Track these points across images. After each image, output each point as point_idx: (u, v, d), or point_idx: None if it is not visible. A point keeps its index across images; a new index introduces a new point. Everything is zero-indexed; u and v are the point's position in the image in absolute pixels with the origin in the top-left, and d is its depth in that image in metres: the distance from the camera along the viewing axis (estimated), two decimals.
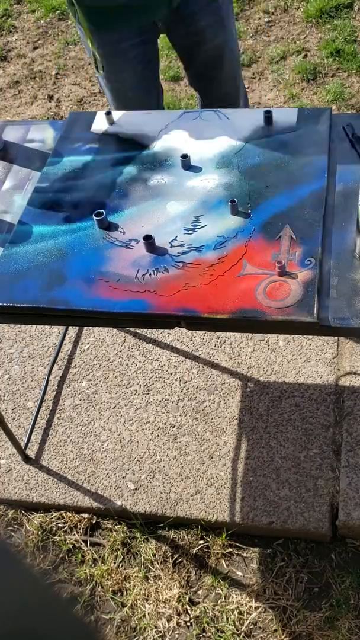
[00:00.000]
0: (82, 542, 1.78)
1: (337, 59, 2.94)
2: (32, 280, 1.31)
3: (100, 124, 1.62)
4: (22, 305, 1.29)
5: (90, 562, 1.74)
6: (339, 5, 3.14)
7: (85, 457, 1.88)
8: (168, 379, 1.99)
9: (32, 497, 1.84)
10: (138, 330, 2.11)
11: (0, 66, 3.36)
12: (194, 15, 1.72)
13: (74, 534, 1.79)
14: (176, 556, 1.72)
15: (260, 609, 1.61)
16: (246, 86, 2.86)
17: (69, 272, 1.31)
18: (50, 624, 0.42)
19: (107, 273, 1.30)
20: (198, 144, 1.51)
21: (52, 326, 2.17)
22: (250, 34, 3.13)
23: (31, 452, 1.92)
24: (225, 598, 1.64)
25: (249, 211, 1.34)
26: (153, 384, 1.99)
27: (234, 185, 1.40)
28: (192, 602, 1.65)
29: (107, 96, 1.88)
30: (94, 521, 1.81)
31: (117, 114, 1.62)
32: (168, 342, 2.07)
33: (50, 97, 3.13)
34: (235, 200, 1.34)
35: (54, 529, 1.81)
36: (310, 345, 1.98)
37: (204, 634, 1.60)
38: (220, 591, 1.65)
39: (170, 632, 1.61)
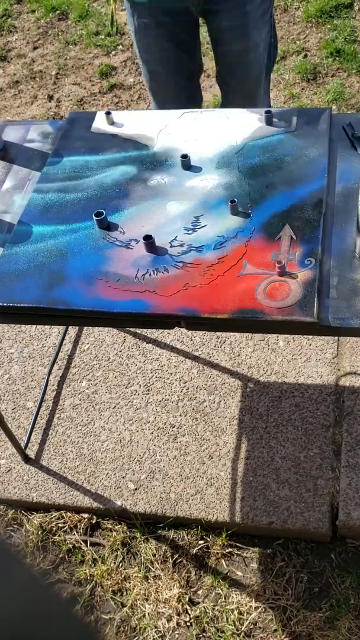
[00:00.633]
0: (82, 542, 1.78)
1: (337, 59, 2.94)
2: (32, 280, 1.31)
3: (100, 124, 1.62)
4: (22, 305, 1.29)
5: (90, 562, 1.74)
6: (339, 5, 3.14)
7: (85, 457, 1.88)
8: (168, 379, 1.99)
9: (32, 497, 1.84)
10: (138, 330, 2.11)
11: (0, 66, 3.36)
12: (217, 12, 1.73)
13: (74, 534, 1.79)
14: (176, 556, 1.72)
15: (260, 609, 1.61)
16: None
17: (69, 272, 1.31)
18: (50, 624, 0.42)
19: (107, 273, 1.30)
20: (198, 144, 1.51)
21: (52, 326, 2.17)
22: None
23: (31, 452, 1.92)
24: (225, 598, 1.64)
25: (249, 211, 1.34)
26: (153, 384, 1.99)
27: (234, 185, 1.40)
28: (192, 602, 1.65)
29: (140, 64, 1.92)
30: (94, 521, 1.81)
31: (117, 114, 1.62)
32: (168, 342, 2.07)
33: (50, 97, 3.13)
34: (235, 200, 1.34)
35: (54, 529, 1.81)
36: (310, 345, 1.98)
37: (204, 634, 1.60)
38: (220, 591, 1.65)
39: (170, 632, 1.61)
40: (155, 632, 1.61)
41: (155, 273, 1.28)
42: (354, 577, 1.62)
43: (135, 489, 1.80)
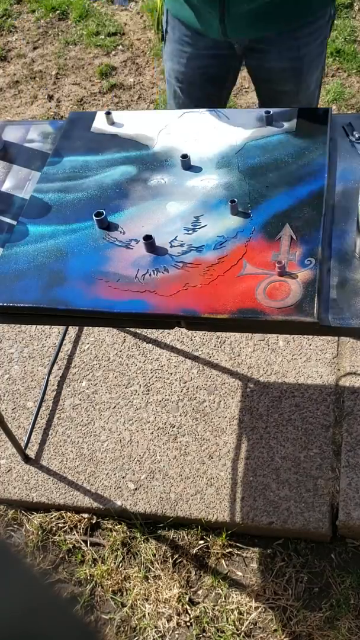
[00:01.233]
0: (82, 542, 1.78)
1: (337, 59, 2.94)
2: (32, 280, 1.31)
3: (100, 124, 1.62)
4: (22, 305, 1.29)
5: (90, 562, 1.74)
6: (339, 5, 3.14)
7: (85, 457, 1.88)
8: (168, 379, 1.99)
9: (32, 497, 1.84)
10: (138, 330, 2.11)
11: (0, 66, 3.36)
12: (266, 54, 1.61)
13: (74, 534, 1.79)
14: (176, 556, 1.72)
15: (260, 609, 1.61)
16: (246, 86, 2.86)
17: (69, 272, 1.31)
18: (50, 624, 0.42)
19: (107, 273, 1.30)
20: (198, 144, 1.51)
21: (52, 326, 2.17)
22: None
23: (31, 452, 1.92)
24: (225, 598, 1.64)
25: (249, 211, 1.34)
26: (153, 384, 1.99)
27: (234, 185, 1.40)
28: (192, 602, 1.65)
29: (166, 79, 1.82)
30: (94, 521, 1.81)
31: (117, 114, 1.62)
32: (168, 342, 2.07)
33: (50, 97, 3.13)
34: (235, 200, 1.34)
35: (54, 529, 1.81)
36: (310, 345, 1.98)
37: (204, 634, 1.60)
38: (220, 591, 1.65)
39: (170, 632, 1.61)
40: (155, 632, 1.61)
41: (155, 273, 1.28)
42: (354, 577, 1.62)
43: (135, 489, 1.80)
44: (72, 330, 2.16)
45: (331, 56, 2.95)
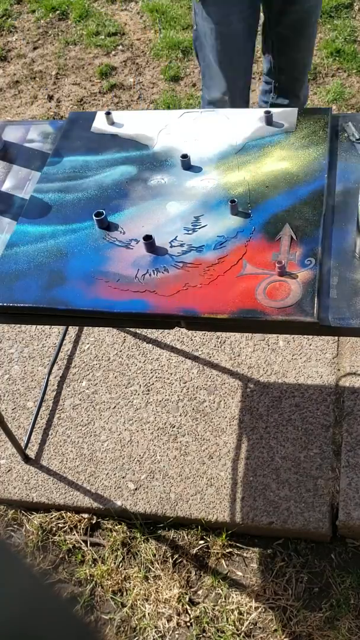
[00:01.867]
0: (82, 542, 1.78)
1: (337, 59, 2.94)
2: (32, 280, 1.31)
3: (100, 124, 1.62)
4: (22, 305, 1.29)
5: (90, 562, 1.74)
6: (339, 5, 3.14)
7: (85, 457, 1.88)
8: (168, 379, 1.99)
9: (32, 497, 1.84)
10: (138, 330, 2.11)
11: (0, 66, 3.36)
12: None
13: (74, 534, 1.79)
14: (176, 556, 1.72)
15: (260, 609, 1.61)
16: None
17: (69, 272, 1.31)
18: (50, 624, 0.42)
19: (107, 273, 1.30)
20: (198, 144, 1.51)
21: (52, 326, 2.17)
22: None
23: (31, 452, 1.92)
24: (225, 598, 1.64)
25: (249, 211, 1.34)
26: (153, 384, 1.99)
27: (234, 185, 1.40)
28: (192, 602, 1.65)
29: (206, 45, 1.94)
30: (94, 521, 1.81)
31: (117, 114, 1.62)
32: (168, 342, 2.07)
33: (50, 97, 3.13)
34: (235, 200, 1.34)
35: (54, 529, 1.81)
36: (310, 345, 1.98)
37: (204, 634, 1.60)
38: (220, 591, 1.65)
39: (170, 632, 1.61)
40: (155, 632, 1.61)
41: (155, 273, 1.28)
42: (354, 577, 1.62)
43: (135, 489, 1.80)
44: (72, 330, 2.16)
45: (331, 56, 2.95)
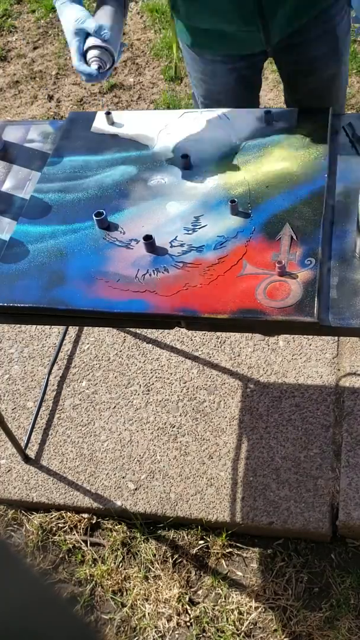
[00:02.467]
0: (82, 542, 1.78)
1: None
2: (32, 280, 1.31)
3: (100, 124, 1.62)
4: (22, 305, 1.29)
5: (90, 562, 1.74)
6: None
7: (85, 457, 1.88)
8: (168, 379, 1.99)
9: (32, 497, 1.84)
10: (138, 330, 2.11)
11: (0, 66, 3.36)
12: (307, 44, 1.55)
13: (74, 534, 1.79)
14: (176, 556, 1.72)
15: (260, 609, 1.61)
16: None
17: (69, 272, 1.31)
18: (50, 624, 0.42)
19: (107, 273, 1.30)
20: (198, 144, 1.51)
21: (52, 326, 2.17)
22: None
23: (31, 452, 1.92)
24: (225, 598, 1.64)
25: (249, 211, 1.34)
26: (153, 384, 1.99)
27: (234, 185, 1.40)
28: (192, 602, 1.65)
29: (195, 93, 1.75)
30: (94, 521, 1.81)
31: (117, 114, 1.62)
32: (168, 342, 2.07)
33: (50, 97, 3.13)
34: (235, 200, 1.34)
35: (54, 529, 1.81)
36: (310, 345, 1.98)
37: (204, 634, 1.60)
38: (220, 591, 1.65)
39: (170, 632, 1.61)
40: (155, 632, 1.61)
41: (155, 273, 1.28)
42: (354, 577, 1.62)
43: (135, 489, 1.80)
44: (72, 330, 2.16)
45: None
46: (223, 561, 1.70)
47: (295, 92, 1.72)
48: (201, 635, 1.60)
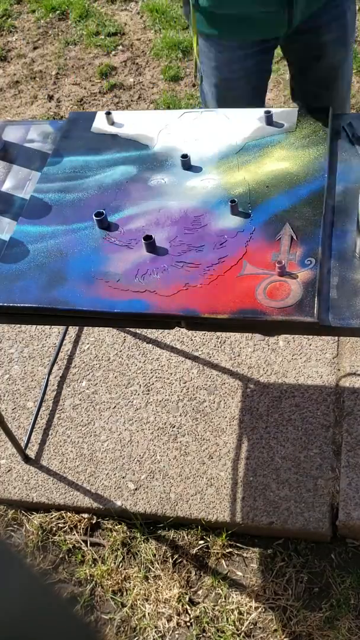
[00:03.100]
0: (82, 542, 1.78)
1: None
2: (32, 280, 1.31)
3: (100, 124, 1.62)
4: (22, 305, 1.29)
5: (90, 562, 1.74)
6: None
7: (85, 457, 1.88)
8: (168, 379, 1.99)
9: (32, 497, 1.84)
10: (138, 330, 2.11)
11: (0, 66, 3.36)
12: (318, 29, 1.61)
13: (74, 534, 1.79)
14: (176, 556, 1.72)
15: (260, 609, 1.61)
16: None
17: (69, 272, 1.31)
18: (50, 624, 0.42)
19: (107, 273, 1.30)
20: (198, 144, 1.51)
21: (52, 326, 2.17)
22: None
23: (31, 452, 1.92)
24: (225, 598, 1.64)
25: (249, 211, 1.34)
26: (153, 384, 1.99)
27: (234, 185, 1.40)
28: (192, 602, 1.65)
29: (206, 85, 1.75)
30: (94, 521, 1.81)
31: (117, 114, 1.62)
32: (168, 342, 2.07)
33: (50, 97, 3.13)
34: (235, 200, 1.34)
35: (54, 529, 1.81)
36: (310, 345, 1.98)
37: (204, 634, 1.60)
38: (220, 591, 1.65)
39: (170, 632, 1.61)
40: (155, 632, 1.61)
41: (155, 273, 1.28)
42: (354, 577, 1.62)
43: (135, 489, 1.80)
44: (72, 330, 2.16)
45: None
46: (223, 561, 1.70)
47: (305, 79, 1.77)
48: (201, 635, 1.60)
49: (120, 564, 1.72)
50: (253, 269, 1.24)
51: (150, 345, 2.08)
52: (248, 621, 1.59)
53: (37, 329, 2.19)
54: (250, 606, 1.61)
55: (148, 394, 1.97)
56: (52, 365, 2.07)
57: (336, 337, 1.98)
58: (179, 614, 1.63)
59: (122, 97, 3.04)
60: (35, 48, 3.41)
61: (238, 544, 1.71)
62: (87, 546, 1.77)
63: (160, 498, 1.78)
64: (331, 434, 1.79)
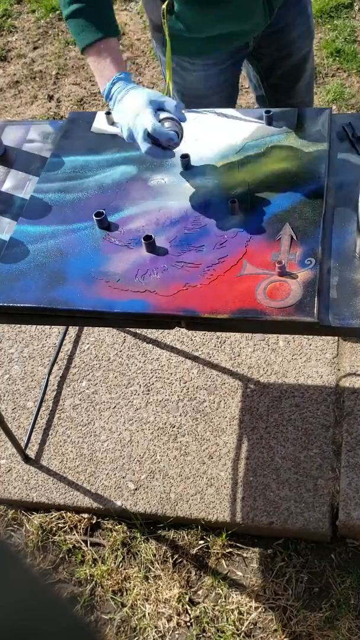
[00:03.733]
0: (82, 542, 1.78)
1: (337, 59, 2.94)
2: (32, 280, 1.31)
3: (100, 124, 1.61)
4: (22, 305, 1.29)
5: (90, 562, 1.74)
6: (339, 5, 3.14)
7: (85, 457, 1.88)
8: (168, 379, 1.99)
9: (32, 497, 1.84)
10: (138, 330, 2.11)
11: (0, 66, 3.36)
12: (286, 28, 1.62)
13: (74, 534, 1.79)
14: (176, 556, 1.72)
15: (260, 609, 1.61)
16: (247, 86, 2.86)
17: (69, 272, 1.31)
18: (50, 624, 0.42)
19: (107, 273, 1.30)
20: (198, 144, 1.51)
21: (52, 326, 2.17)
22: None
23: (31, 452, 1.92)
24: (225, 598, 1.64)
25: (249, 211, 1.34)
26: (153, 384, 1.99)
27: (234, 185, 1.40)
28: (192, 602, 1.65)
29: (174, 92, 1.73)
30: (94, 521, 1.81)
31: None
32: (168, 342, 2.07)
33: (50, 97, 3.13)
34: (236, 200, 1.34)
35: (54, 529, 1.81)
36: (310, 345, 1.98)
37: (204, 634, 1.60)
38: (220, 591, 1.65)
39: (170, 632, 1.61)
40: (156, 632, 1.61)
41: (155, 273, 1.28)
42: (354, 577, 1.62)
43: (135, 489, 1.80)
44: (72, 330, 2.16)
45: (331, 56, 2.95)
46: (223, 561, 1.70)
47: (270, 76, 1.76)
48: (201, 635, 1.60)
49: (120, 564, 1.72)
50: (253, 269, 1.24)
51: (150, 345, 2.08)
52: (248, 621, 1.59)
53: (37, 329, 2.19)
54: (250, 606, 1.61)
55: (148, 394, 1.97)
56: (52, 365, 2.07)
57: (336, 337, 1.98)
58: (179, 614, 1.63)
59: None
60: (35, 48, 3.41)
61: (238, 544, 1.71)
62: (87, 546, 1.77)
63: (160, 498, 1.78)
64: (331, 434, 1.79)
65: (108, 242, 1.35)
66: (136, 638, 1.62)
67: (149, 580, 1.69)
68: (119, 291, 1.26)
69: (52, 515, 1.83)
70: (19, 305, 1.29)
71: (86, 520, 1.80)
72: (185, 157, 1.46)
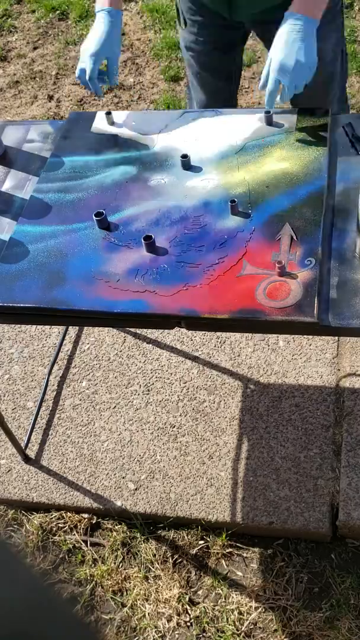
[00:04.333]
0: (82, 542, 1.78)
1: None
2: (32, 280, 1.31)
3: (100, 124, 1.62)
4: (22, 305, 1.29)
5: (90, 562, 1.74)
6: None
7: (85, 457, 1.88)
8: (168, 379, 1.99)
9: (32, 497, 1.84)
10: (138, 330, 2.11)
11: (0, 66, 3.36)
12: (276, 23, 1.64)
13: (74, 534, 1.79)
14: (176, 556, 1.72)
15: (260, 609, 1.61)
16: (246, 86, 2.86)
17: (69, 272, 1.31)
18: (50, 624, 0.42)
19: (107, 273, 1.30)
20: (198, 144, 1.51)
21: (52, 326, 2.17)
22: (251, 34, 3.12)
23: (31, 452, 1.92)
24: (225, 598, 1.64)
25: (249, 211, 1.34)
26: (153, 384, 1.99)
27: (234, 185, 1.40)
28: (192, 602, 1.65)
29: (184, 57, 1.88)
30: (94, 521, 1.81)
31: (117, 114, 1.62)
32: (168, 342, 2.07)
33: (50, 97, 3.13)
34: (235, 200, 1.34)
35: (54, 529, 1.81)
36: (310, 345, 1.98)
37: (204, 634, 1.60)
38: (220, 591, 1.65)
39: (170, 632, 1.61)
40: (156, 632, 1.62)
41: (155, 273, 1.28)
42: (354, 577, 1.62)
43: (135, 489, 1.80)
44: (72, 330, 2.16)
45: None
46: (223, 561, 1.70)
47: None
48: (201, 636, 1.60)
49: (120, 564, 1.72)
50: (253, 269, 1.24)
51: (150, 345, 2.08)
52: (248, 621, 1.59)
53: (37, 329, 2.19)
54: (250, 606, 1.61)
55: (148, 394, 1.97)
56: (52, 365, 2.07)
57: (336, 337, 1.98)
58: (179, 614, 1.63)
59: (122, 97, 3.04)
60: (35, 48, 3.41)
61: (238, 544, 1.71)
62: (87, 546, 1.77)
63: (160, 498, 1.78)
64: (331, 434, 1.79)
65: (108, 242, 1.35)
66: (136, 638, 1.62)
67: (149, 580, 1.69)
68: (119, 291, 1.26)
69: (52, 515, 1.83)
70: (19, 305, 1.29)
71: (86, 520, 1.80)
72: (185, 157, 1.46)
